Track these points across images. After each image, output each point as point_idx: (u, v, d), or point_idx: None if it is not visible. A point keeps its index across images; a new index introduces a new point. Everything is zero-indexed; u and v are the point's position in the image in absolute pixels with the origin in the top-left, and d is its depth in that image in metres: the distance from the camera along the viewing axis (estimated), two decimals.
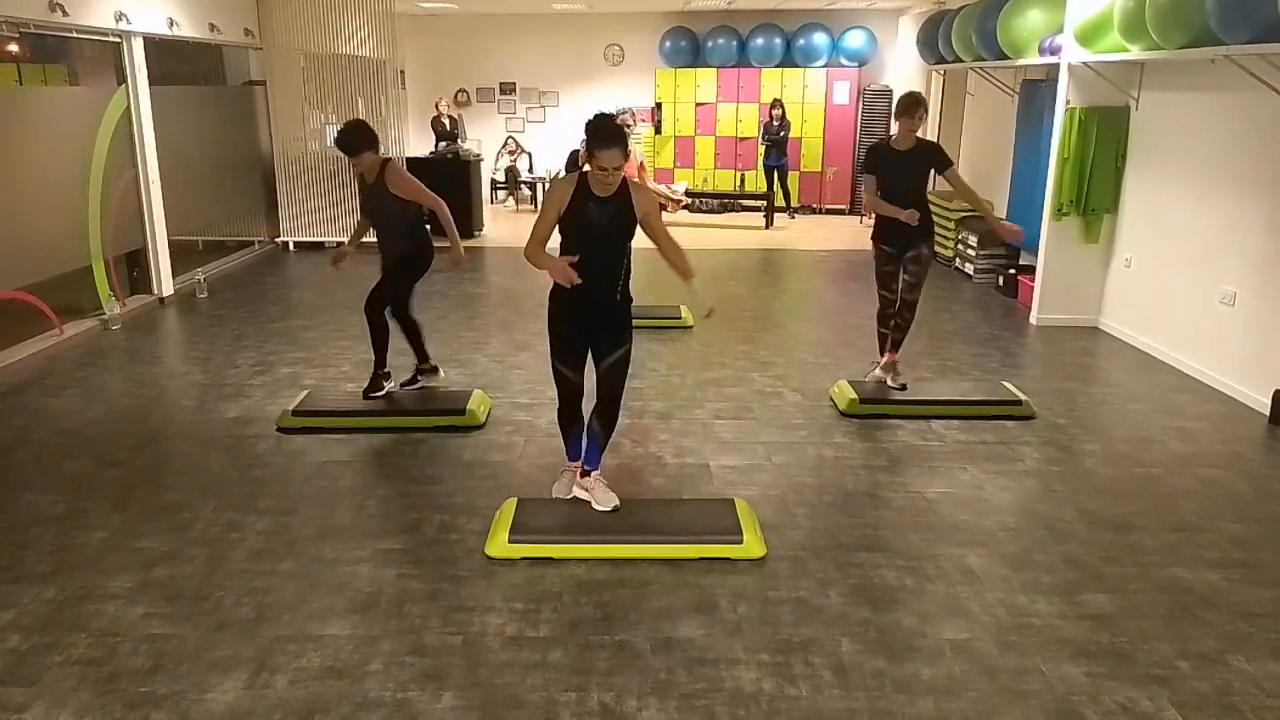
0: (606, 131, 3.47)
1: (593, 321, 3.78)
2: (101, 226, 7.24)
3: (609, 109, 3.51)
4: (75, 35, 7.08)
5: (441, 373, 5.51)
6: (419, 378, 5.39)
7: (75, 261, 7.02)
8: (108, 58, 7.70)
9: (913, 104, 5.03)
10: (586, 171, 3.59)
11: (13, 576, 3.47)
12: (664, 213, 13.83)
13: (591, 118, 3.56)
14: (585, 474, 3.98)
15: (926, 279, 5.34)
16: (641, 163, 7.17)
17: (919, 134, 5.15)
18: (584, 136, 3.59)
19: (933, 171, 5.17)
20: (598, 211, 3.60)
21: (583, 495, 3.95)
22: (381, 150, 5.10)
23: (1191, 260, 6.05)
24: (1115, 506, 4.11)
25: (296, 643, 3.07)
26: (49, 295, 6.64)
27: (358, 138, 4.90)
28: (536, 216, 3.71)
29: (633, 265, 3.79)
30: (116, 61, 7.57)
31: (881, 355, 5.50)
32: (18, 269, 6.35)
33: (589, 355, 3.86)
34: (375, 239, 5.20)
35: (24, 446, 4.76)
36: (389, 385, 5.27)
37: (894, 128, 5.25)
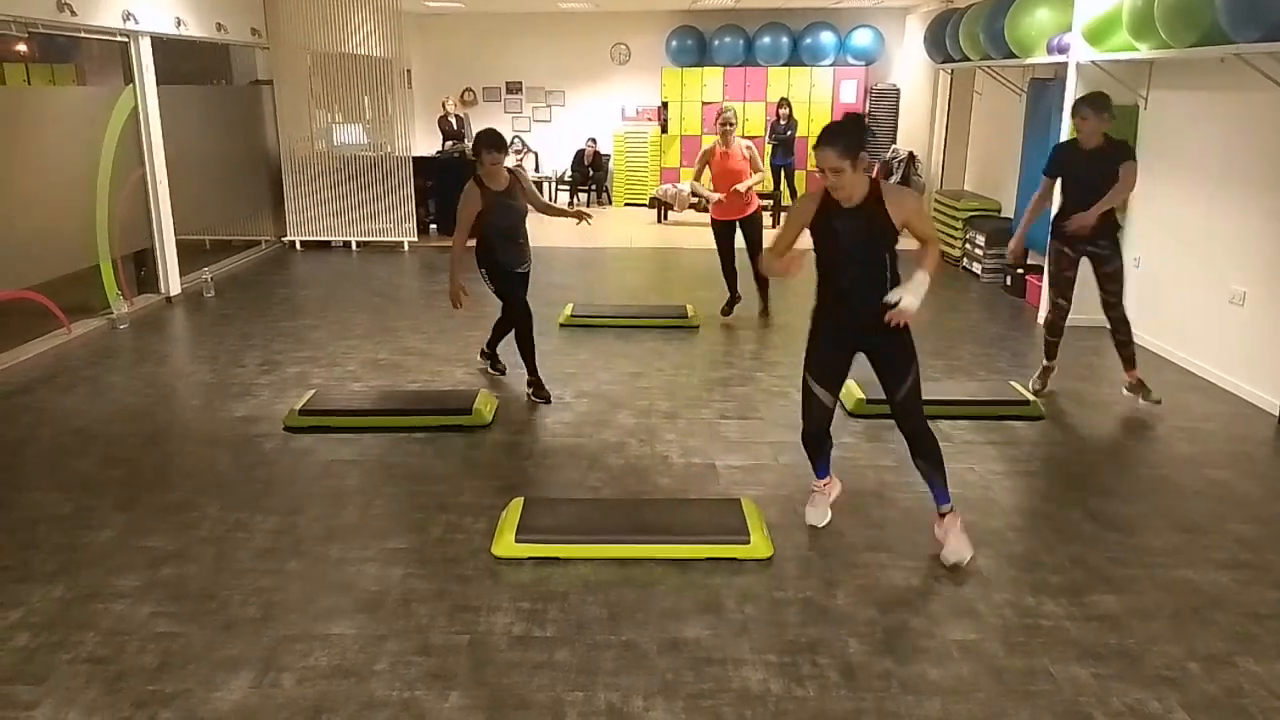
0: (823, 131, 3.38)
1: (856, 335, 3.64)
2: (109, 226, 7.26)
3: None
4: (83, 35, 7.10)
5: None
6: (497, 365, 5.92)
7: (83, 261, 7.05)
8: (115, 57, 7.73)
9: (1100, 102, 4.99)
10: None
11: (21, 575, 3.48)
12: (670, 211, 13.79)
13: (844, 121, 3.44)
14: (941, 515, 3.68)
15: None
16: (752, 156, 7.15)
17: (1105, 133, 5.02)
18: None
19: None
20: (841, 222, 3.48)
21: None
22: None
23: (1200, 260, 6.03)
24: (1123, 507, 4.10)
25: (303, 642, 3.07)
26: (57, 294, 6.67)
27: (501, 137, 5.26)
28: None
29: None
30: (124, 61, 7.60)
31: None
32: (26, 268, 6.38)
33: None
34: (501, 250, 5.29)
35: (32, 445, 4.78)
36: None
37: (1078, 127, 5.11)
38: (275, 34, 9.99)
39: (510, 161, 5.59)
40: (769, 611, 3.27)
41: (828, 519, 3.89)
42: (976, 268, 8.96)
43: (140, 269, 8.01)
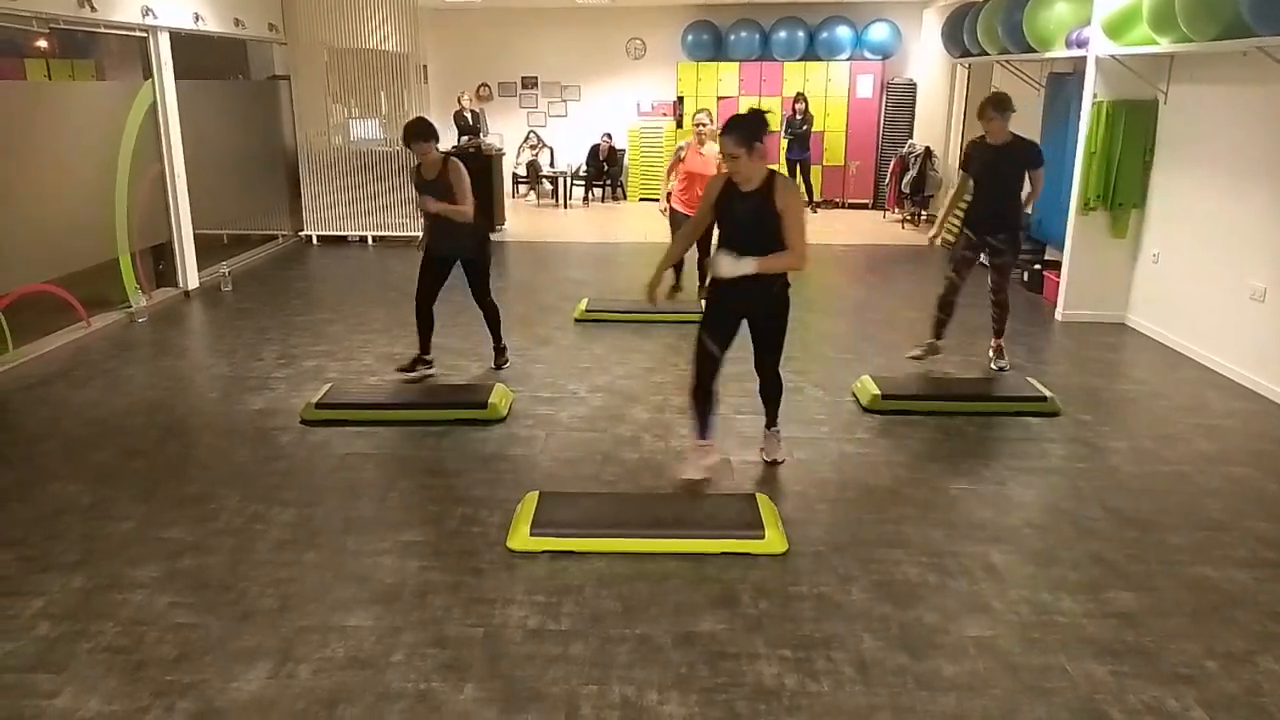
0: (726, 122, 3.88)
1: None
2: (128, 220, 7.31)
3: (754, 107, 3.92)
4: (103, 30, 7.15)
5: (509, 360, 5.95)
6: (506, 356, 5.95)
7: (102, 255, 7.10)
8: (134, 52, 7.77)
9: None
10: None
11: (42, 565, 3.52)
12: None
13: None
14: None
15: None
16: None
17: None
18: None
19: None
20: (737, 203, 3.95)
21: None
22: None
23: (1220, 255, 5.97)
24: (1141, 504, 4.07)
25: (320, 633, 3.09)
26: (76, 288, 6.72)
27: (432, 126, 5.34)
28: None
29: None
30: (143, 56, 7.64)
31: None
32: (46, 262, 6.44)
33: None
34: (432, 235, 5.54)
35: (52, 437, 4.82)
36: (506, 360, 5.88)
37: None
38: (292, 29, 10.03)
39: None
40: (783, 606, 3.26)
41: (701, 476, 4.20)
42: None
43: (158, 263, 8.07)
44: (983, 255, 5.75)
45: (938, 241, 6.15)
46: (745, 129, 3.81)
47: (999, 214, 5.58)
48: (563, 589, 3.37)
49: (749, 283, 3.90)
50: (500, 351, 5.93)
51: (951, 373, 5.83)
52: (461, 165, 5.40)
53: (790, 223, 3.87)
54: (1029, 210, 5.88)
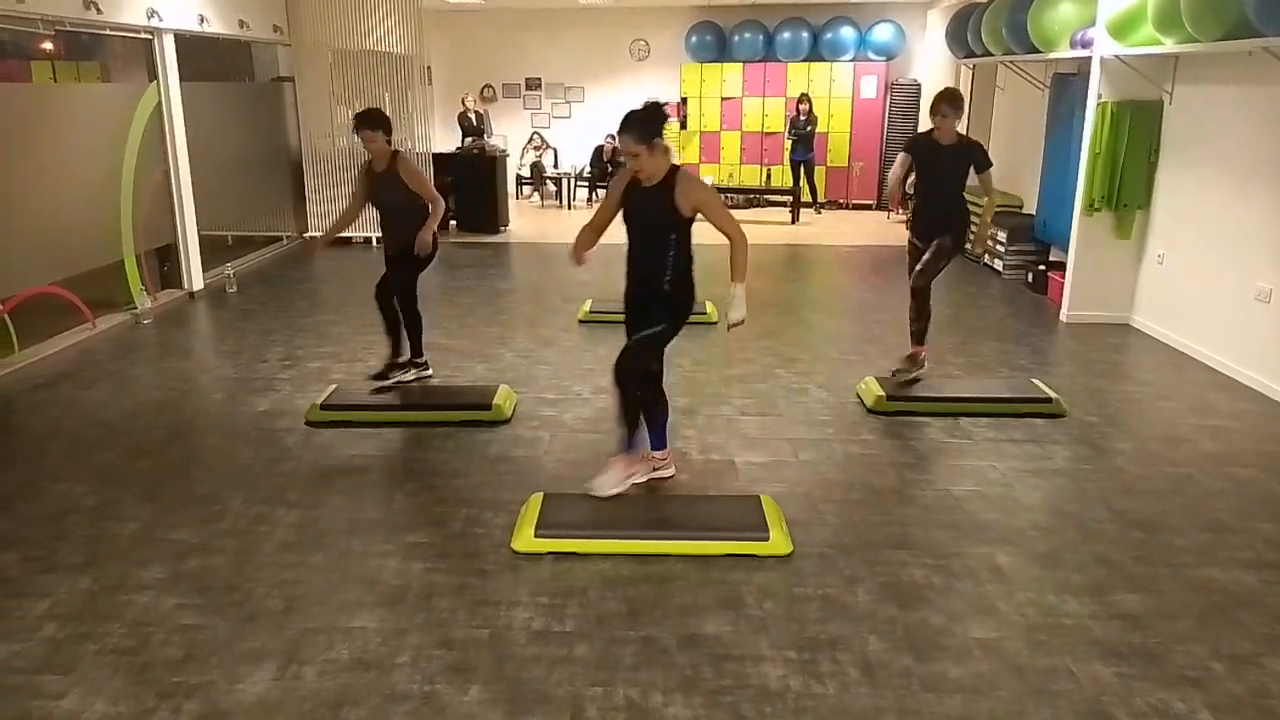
0: (624, 118, 3.69)
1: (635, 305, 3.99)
2: (133, 221, 7.33)
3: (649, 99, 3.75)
4: (108, 32, 7.16)
5: (431, 371, 5.58)
6: (410, 369, 5.45)
7: (107, 256, 7.12)
8: (139, 54, 7.79)
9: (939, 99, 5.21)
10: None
11: (48, 566, 3.53)
12: None
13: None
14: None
15: (944, 272, 5.43)
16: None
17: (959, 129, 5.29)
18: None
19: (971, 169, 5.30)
20: (639, 199, 3.83)
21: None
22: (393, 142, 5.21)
23: (1226, 256, 5.96)
24: (1146, 506, 4.06)
25: (325, 634, 3.10)
26: (81, 289, 6.74)
27: (385, 117, 5.11)
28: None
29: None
30: (148, 58, 7.66)
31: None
32: (52, 264, 6.45)
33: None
34: (380, 230, 5.38)
35: (58, 438, 4.83)
36: (399, 375, 5.36)
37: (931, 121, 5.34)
38: (297, 31, 10.05)
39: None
40: (788, 608, 3.26)
41: (616, 491, 3.99)
42: (998, 264, 8.90)
43: (163, 264, 8.09)
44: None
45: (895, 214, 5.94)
46: (642, 125, 3.66)
47: (946, 214, 5.30)
48: (567, 590, 3.37)
49: (642, 281, 3.88)
50: (397, 366, 5.35)
51: (955, 374, 5.82)
52: (411, 159, 5.21)
53: (712, 214, 3.76)
54: (989, 222, 5.63)
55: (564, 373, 5.84)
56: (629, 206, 3.86)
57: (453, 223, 11.44)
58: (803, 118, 12.21)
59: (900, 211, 12.21)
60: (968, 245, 5.48)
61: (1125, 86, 6.70)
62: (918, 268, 5.37)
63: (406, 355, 5.43)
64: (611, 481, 3.98)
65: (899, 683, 2.87)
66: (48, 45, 8.66)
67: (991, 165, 5.30)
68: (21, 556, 3.60)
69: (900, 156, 5.53)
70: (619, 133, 3.70)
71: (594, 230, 4.02)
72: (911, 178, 5.53)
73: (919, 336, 5.47)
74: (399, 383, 5.35)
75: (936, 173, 5.30)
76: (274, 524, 3.86)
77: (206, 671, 2.91)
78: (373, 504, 4.07)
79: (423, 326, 5.47)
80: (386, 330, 5.32)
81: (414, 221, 5.09)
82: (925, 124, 12.53)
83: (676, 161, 3.86)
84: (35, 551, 3.64)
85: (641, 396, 4.02)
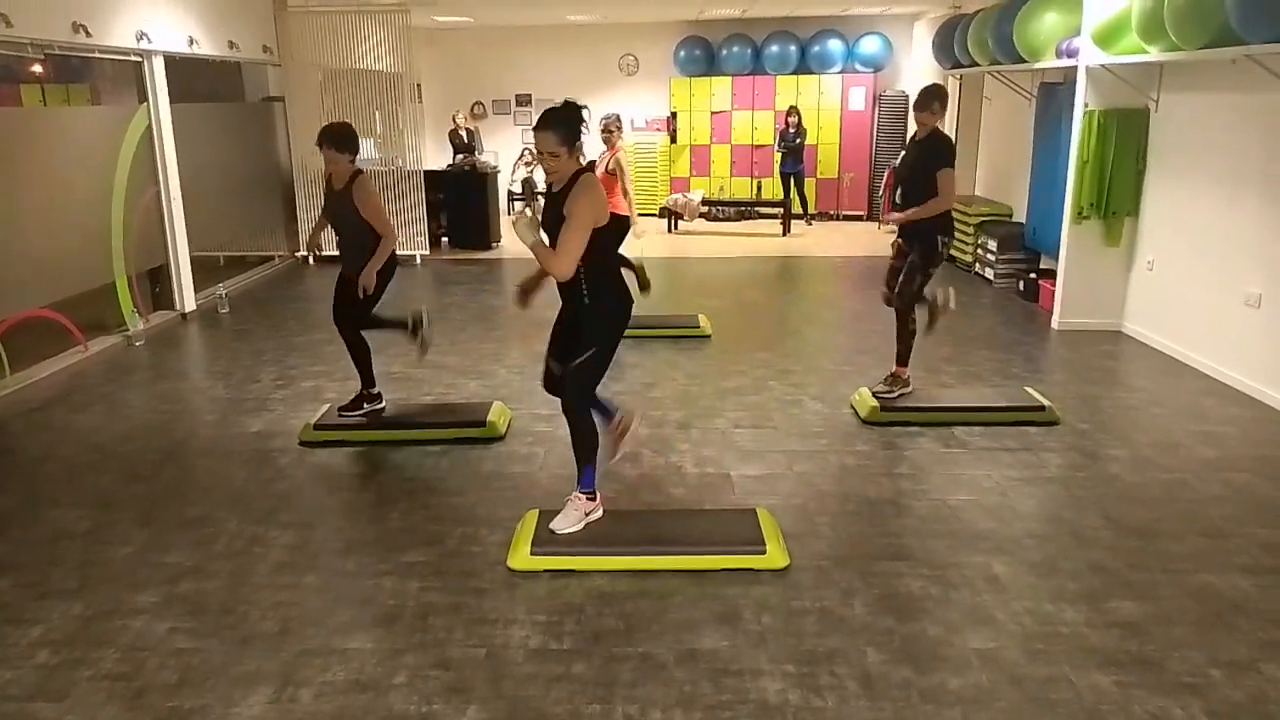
0: (543, 116, 3.47)
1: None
2: (124, 243, 7.32)
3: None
4: (98, 55, 7.17)
5: (384, 402, 5.28)
6: (365, 404, 5.19)
7: (99, 278, 7.10)
8: (129, 77, 7.80)
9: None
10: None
11: (41, 592, 3.50)
12: (681, 220, 13.78)
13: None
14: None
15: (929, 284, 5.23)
16: (609, 165, 6.80)
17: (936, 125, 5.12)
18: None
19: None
20: (548, 204, 3.65)
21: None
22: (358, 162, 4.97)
23: (1215, 262, 5.99)
24: (1142, 512, 4.07)
25: (321, 656, 3.08)
26: (73, 312, 6.72)
27: (351, 136, 4.84)
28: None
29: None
30: (138, 80, 7.67)
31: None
32: (43, 286, 6.43)
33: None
34: (337, 249, 5.13)
35: (51, 462, 4.81)
36: (370, 406, 5.18)
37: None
38: (286, 51, 10.07)
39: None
40: (786, 622, 3.26)
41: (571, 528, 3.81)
42: (989, 273, 8.93)
43: (155, 286, 8.07)
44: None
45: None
46: (568, 125, 3.43)
47: (913, 221, 5.09)
48: (564, 608, 3.36)
49: (564, 298, 3.70)
50: (367, 398, 5.19)
51: (948, 383, 5.84)
52: (371, 183, 4.94)
53: (569, 222, 3.44)
54: (914, 217, 5.08)
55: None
56: (544, 213, 3.66)
57: (445, 240, 11.45)
58: (792, 130, 12.26)
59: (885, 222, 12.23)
60: (946, 254, 5.18)
61: (1111, 95, 6.75)
62: (895, 288, 5.26)
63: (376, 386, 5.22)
64: (571, 520, 3.80)
65: (898, 695, 2.86)
66: (37, 69, 8.67)
67: (949, 166, 4.93)
68: (15, 582, 3.58)
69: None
70: (537, 129, 3.43)
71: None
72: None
73: (901, 357, 5.35)
74: (371, 412, 5.16)
75: (902, 170, 5.25)
76: (268, 545, 3.85)
77: (201, 696, 2.89)
78: (367, 523, 4.05)
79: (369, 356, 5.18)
80: (356, 362, 5.14)
81: (367, 249, 4.87)
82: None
83: (583, 164, 3.65)
84: (29, 577, 3.62)
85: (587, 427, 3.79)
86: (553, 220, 3.53)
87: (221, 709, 2.82)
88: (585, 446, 3.81)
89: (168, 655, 3.09)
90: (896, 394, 5.30)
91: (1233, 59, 5.34)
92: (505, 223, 12.61)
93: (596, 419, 3.84)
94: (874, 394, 5.31)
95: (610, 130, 6.90)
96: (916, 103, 5.11)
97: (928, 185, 4.98)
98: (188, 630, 3.23)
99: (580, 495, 3.85)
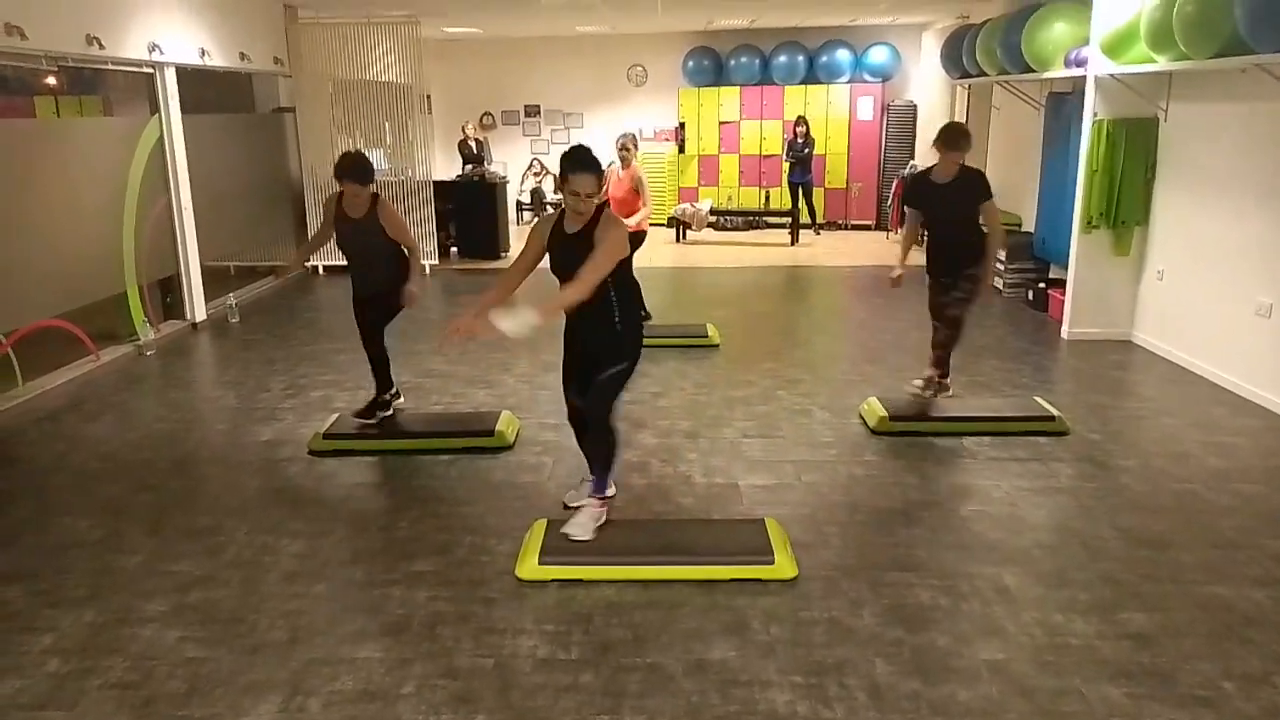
0: (578, 159, 3.52)
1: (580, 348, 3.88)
2: (136, 253, 7.36)
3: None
4: (110, 67, 7.23)
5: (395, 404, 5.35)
6: (379, 412, 5.25)
7: (110, 288, 7.15)
8: (141, 88, 7.86)
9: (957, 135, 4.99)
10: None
11: (52, 600, 3.52)
12: (689, 230, 13.82)
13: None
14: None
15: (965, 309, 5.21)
16: (634, 183, 7.03)
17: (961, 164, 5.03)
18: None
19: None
20: (567, 243, 3.65)
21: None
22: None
23: (1226, 272, 5.97)
24: (1152, 523, 4.05)
25: (330, 665, 3.08)
26: (85, 321, 6.76)
27: (369, 166, 4.91)
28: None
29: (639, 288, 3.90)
30: (150, 91, 7.73)
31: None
32: (55, 296, 6.48)
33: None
34: (350, 272, 5.19)
35: (62, 471, 4.84)
36: (382, 413, 5.23)
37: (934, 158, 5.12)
38: (297, 62, 10.13)
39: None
40: (795, 632, 3.25)
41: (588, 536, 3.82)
42: (998, 282, 8.91)
43: (166, 296, 8.12)
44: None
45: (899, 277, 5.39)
46: (599, 168, 3.56)
47: (956, 258, 5.11)
48: (572, 618, 3.35)
49: (590, 326, 3.72)
50: (379, 404, 5.25)
51: (958, 393, 5.82)
52: (390, 203, 5.06)
53: (595, 256, 3.49)
54: (994, 257, 5.22)
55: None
56: (558, 251, 3.68)
57: (454, 249, 11.49)
58: (800, 140, 12.28)
59: (896, 232, 12.24)
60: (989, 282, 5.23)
61: (1120, 104, 6.74)
62: (941, 311, 5.24)
63: (394, 388, 5.33)
64: (587, 526, 3.83)
65: (907, 706, 2.85)
66: (51, 80, 8.74)
67: (991, 197, 5.03)
68: (26, 590, 3.59)
69: (908, 214, 5.47)
70: (575, 172, 3.49)
71: (520, 273, 3.85)
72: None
73: (941, 366, 5.37)
74: (384, 418, 5.24)
75: (939, 213, 5.14)
76: (277, 554, 3.86)
77: (211, 704, 2.89)
78: (376, 533, 4.06)
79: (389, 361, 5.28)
80: (378, 373, 5.23)
81: (391, 265, 5.00)
82: (923, 143, 12.63)
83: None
84: (40, 585, 3.63)
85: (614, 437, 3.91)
86: (576, 259, 3.51)
87: (231, 717, 2.83)
88: (610, 454, 3.90)
89: (177, 664, 3.10)
90: (927, 394, 5.39)
91: (1242, 68, 5.33)
92: (514, 232, 12.65)
93: (588, 485, 3.97)
94: (910, 390, 5.43)
95: (627, 148, 7.07)
96: (946, 140, 4.94)
97: (970, 223, 5.01)
98: (197, 639, 3.24)
99: (595, 500, 3.91)
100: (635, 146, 7.15)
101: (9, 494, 4.55)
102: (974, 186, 5.00)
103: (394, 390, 5.35)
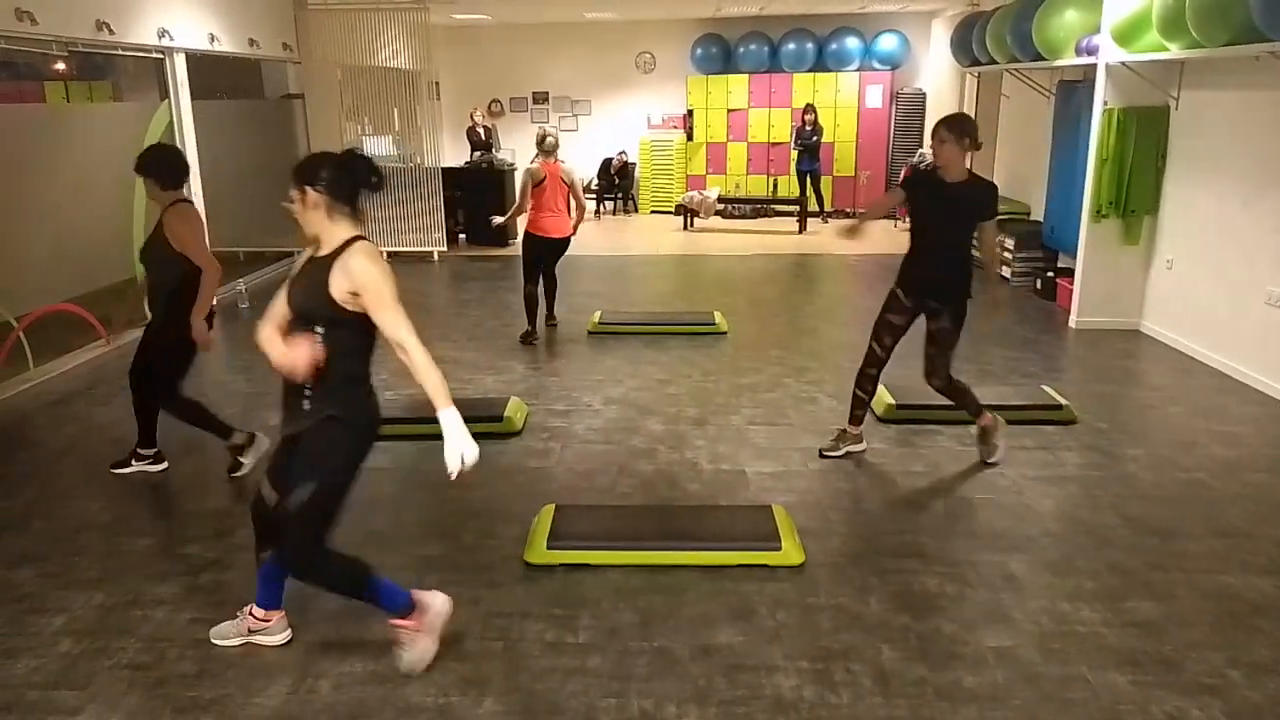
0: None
1: None
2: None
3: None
4: (120, 53, 7.24)
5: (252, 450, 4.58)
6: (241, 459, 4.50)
7: (120, 273, 7.17)
8: (151, 74, 7.88)
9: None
10: None
11: (64, 582, 3.55)
12: (697, 218, 13.86)
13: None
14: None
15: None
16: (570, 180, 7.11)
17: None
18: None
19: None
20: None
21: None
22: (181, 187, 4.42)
23: (1235, 261, 5.94)
24: (1159, 512, 4.05)
25: (340, 648, 3.11)
26: (95, 306, 6.79)
27: (176, 165, 4.32)
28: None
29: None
30: (159, 77, 7.74)
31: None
32: (65, 281, 6.51)
33: None
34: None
35: (73, 454, 4.87)
36: (245, 460, 4.50)
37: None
38: (306, 49, 10.12)
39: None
40: (801, 618, 3.26)
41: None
42: (1006, 271, 8.88)
43: None
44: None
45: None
46: (333, 173, 2.99)
47: (945, 278, 4.35)
48: (580, 602, 3.37)
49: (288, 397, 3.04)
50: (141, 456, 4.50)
51: (966, 382, 5.80)
52: (186, 211, 4.28)
53: (371, 305, 2.91)
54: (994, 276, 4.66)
55: (574, 384, 5.85)
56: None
57: (462, 236, 11.50)
58: (808, 128, 12.24)
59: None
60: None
61: (1131, 92, 6.70)
62: (927, 366, 4.47)
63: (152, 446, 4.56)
64: (422, 656, 2.96)
65: (913, 692, 2.86)
66: (61, 66, 8.76)
67: (997, 216, 4.39)
68: (38, 572, 3.62)
69: (890, 193, 4.72)
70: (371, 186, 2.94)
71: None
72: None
73: (975, 410, 4.59)
74: (142, 471, 4.54)
75: (935, 219, 4.34)
76: None
77: (222, 686, 2.92)
78: (385, 517, 4.08)
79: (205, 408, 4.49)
80: (203, 424, 4.43)
81: (177, 293, 4.22)
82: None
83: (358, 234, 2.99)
84: (51, 567, 3.66)
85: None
86: (304, 294, 2.94)
87: (241, 699, 2.86)
88: (353, 584, 2.95)
89: (187, 646, 3.13)
90: (995, 446, 4.59)
91: (1255, 56, 5.30)
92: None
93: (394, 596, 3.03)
94: (983, 460, 4.59)
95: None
96: (951, 128, 4.18)
97: (966, 237, 4.38)
98: (208, 621, 3.26)
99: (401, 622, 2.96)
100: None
101: (20, 477, 4.58)
102: (985, 198, 4.29)
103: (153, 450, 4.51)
